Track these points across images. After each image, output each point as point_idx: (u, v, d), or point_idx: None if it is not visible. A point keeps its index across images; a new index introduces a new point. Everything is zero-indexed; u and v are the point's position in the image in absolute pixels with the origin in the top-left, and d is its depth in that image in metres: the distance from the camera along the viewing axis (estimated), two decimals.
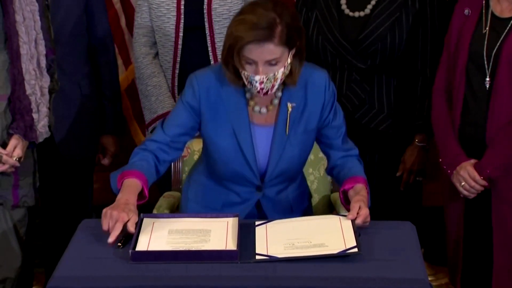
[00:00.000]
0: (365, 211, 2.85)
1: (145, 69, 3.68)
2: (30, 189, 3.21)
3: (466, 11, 3.20)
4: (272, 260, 2.68)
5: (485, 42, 3.16)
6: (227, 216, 2.91)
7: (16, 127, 3.07)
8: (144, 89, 3.69)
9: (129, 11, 4.31)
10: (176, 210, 3.31)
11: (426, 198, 3.88)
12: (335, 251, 2.70)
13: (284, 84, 2.95)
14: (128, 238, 2.80)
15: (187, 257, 2.67)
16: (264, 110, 2.99)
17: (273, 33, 2.78)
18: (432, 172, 3.70)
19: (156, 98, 3.65)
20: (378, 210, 3.55)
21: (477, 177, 3.19)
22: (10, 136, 3.08)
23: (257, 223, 2.91)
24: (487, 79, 3.19)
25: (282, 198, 3.12)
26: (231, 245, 2.73)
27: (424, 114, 3.56)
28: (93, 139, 3.80)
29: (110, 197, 4.74)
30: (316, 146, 3.20)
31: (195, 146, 3.47)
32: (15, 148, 3.07)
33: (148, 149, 3.00)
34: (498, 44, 3.14)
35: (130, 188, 2.86)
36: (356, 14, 3.57)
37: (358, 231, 2.81)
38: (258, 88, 2.86)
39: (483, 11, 3.20)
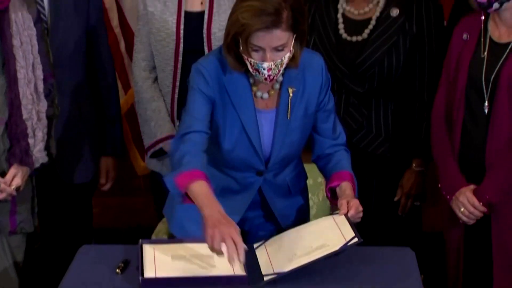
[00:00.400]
0: (354, 202, 2.87)
1: (144, 94, 3.68)
2: (28, 215, 3.21)
3: (464, 36, 3.21)
4: (280, 276, 2.69)
5: (484, 67, 3.17)
6: None
7: (13, 154, 3.07)
8: (144, 114, 3.70)
9: (129, 36, 4.33)
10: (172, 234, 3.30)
11: (426, 223, 3.87)
12: (337, 247, 2.73)
13: (284, 68, 2.94)
14: (126, 263, 2.80)
15: (197, 283, 2.68)
16: (266, 95, 2.98)
17: (280, 18, 2.76)
18: (432, 197, 3.69)
19: (155, 122, 3.65)
20: (377, 235, 3.56)
21: (476, 203, 3.18)
22: (10, 163, 3.08)
23: (255, 245, 2.93)
24: (486, 103, 3.19)
25: (279, 180, 3.10)
26: (239, 270, 2.73)
27: (422, 138, 3.57)
28: (92, 163, 3.80)
29: (109, 222, 4.77)
30: (312, 170, 3.21)
31: None
32: (14, 177, 3.06)
33: (192, 141, 2.87)
34: (496, 69, 3.15)
35: (209, 197, 2.73)
36: (354, 38, 3.59)
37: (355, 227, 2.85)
38: (266, 75, 2.85)
39: (482, 35, 3.21)
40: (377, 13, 3.58)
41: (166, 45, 3.57)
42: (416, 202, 3.66)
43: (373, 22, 3.57)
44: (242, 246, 2.61)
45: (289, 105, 2.97)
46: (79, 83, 3.68)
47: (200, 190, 2.73)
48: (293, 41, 2.85)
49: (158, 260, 2.80)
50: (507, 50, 3.14)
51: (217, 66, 2.94)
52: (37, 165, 3.14)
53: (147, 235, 3.26)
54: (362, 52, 3.55)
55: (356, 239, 2.73)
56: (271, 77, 2.86)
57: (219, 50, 2.94)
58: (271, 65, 2.82)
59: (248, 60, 2.83)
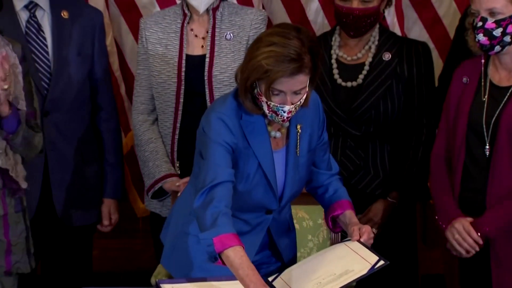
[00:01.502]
0: (366, 228, 2.92)
1: (142, 136, 3.69)
2: (23, 255, 3.19)
3: (464, 79, 3.22)
4: None
5: (484, 111, 3.18)
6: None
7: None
8: (142, 155, 3.70)
9: (129, 79, 4.34)
10: (172, 277, 3.28)
11: (426, 265, 3.86)
12: (365, 271, 2.75)
13: None
14: None
15: None
16: (278, 134, 2.98)
17: (303, 63, 2.78)
18: (433, 240, 3.68)
19: (153, 163, 3.65)
20: (375, 278, 3.54)
21: (473, 233, 3.16)
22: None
23: (270, 278, 2.91)
24: (487, 147, 3.19)
25: (282, 217, 3.10)
26: None
27: (407, 175, 3.60)
28: (93, 205, 3.78)
29: (109, 264, 4.75)
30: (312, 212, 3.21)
31: None
32: None
33: (222, 197, 2.83)
34: (497, 112, 3.16)
35: (249, 265, 2.73)
36: (349, 84, 3.64)
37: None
38: (285, 117, 2.86)
39: (482, 79, 3.22)
40: (370, 58, 3.65)
41: (167, 87, 3.59)
42: (377, 229, 3.63)
43: (366, 67, 3.64)
44: None
45: (298, 141, 2.97)
46: (82, 127, 3.69)
47: (238, 256, 2.73)
48: (309, 80, 2.87)
49: None
50: (508, 94, 3.16)
51: (235, 111, 2.92)
52: (23, 187, 3.15)
53: (147, 277, 3.23)
54: (357, 97, 3.60)
55: (383, 262, 2.77)
56: (289, 119, 2.88)
57: (233, 94, 2.93)
58: (292, 108, 2.83)
59: (267, 103, 2.83)
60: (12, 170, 3.11)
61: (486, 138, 3.18)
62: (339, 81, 3.64)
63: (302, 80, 2.80)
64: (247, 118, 2.91)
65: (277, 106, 2.82)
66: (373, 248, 3.60)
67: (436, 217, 3.31)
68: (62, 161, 3.59)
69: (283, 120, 2.86)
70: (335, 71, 3.66)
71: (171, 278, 3.15)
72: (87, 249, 3.83)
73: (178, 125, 3.62)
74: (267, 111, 2.85)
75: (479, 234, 3.15)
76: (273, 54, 2.76)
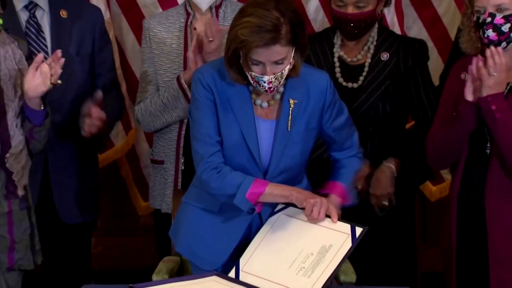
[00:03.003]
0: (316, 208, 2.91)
1: (147, 102, 3.67)
2: (27, 252, 3.19)
3: (463, 76, 3.19)
4: None
5: None
6: (205, 276, 2.93)
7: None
8: (154, 102, 3.64)
9: (130, 77, 4.37)
10: (174, 275, 3.29)
11: (426, 263, 3.86)
12: (349, 243, 2.82)
13: (286, 78, 2.96)
14: None
15: None
16: (265, 104, 2.99)
17: (279, 34, 2.80)
18: (432, 238, 3.69)
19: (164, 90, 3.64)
20: (376, 275, 3.55)
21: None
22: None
23: (230, 274, 2.93)
24: (488, 144, 3.20)
25: None
26: None
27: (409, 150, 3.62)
28: (92, 203, 3.79)
29: (111, 262, 4.75)
30: None
31: None
32: None
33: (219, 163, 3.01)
34: None
35: (286, 187, 2.97)
36: (350, 85, 3.64)
37: None
38: (266, 87, 2.89)
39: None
40: (369, 59, 3.66)
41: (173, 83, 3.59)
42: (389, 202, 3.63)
43: (366, 68, 3.65)
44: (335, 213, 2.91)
45: (290, 116, 2.98)
46: (78, 126, 3.69)
47: (274, 187, 2.95)
48: (293, 52, 2.88)
49: None
50: (508, 88, 3.14)
51: (216, 72, 2.98)
52: (20, 193, 3.14)
53: (148, 274, 3.24)
54: (357, 98, 3.61)
55: (360, 228, 2.80)
56: (272, 89, 2.91)
57: (221, 60, 2.97)
58: (272, 78, 2.87)
59: (248, 73, 2.88)
60: (16, 174, 3.12)
61: (487, 135, 3.19)
62: (341, 80, 3.64)
63: (279, 51, 2.82)
64: (230, 82, 2.97)
65: (257, 76, 2.87)
66: (382, 244, 3.64)
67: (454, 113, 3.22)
68: (61, 161, 3.61)
69: (266, 90, 2.90)
70: (337, 70, 3.66)
71: (172, 275, 3.16)
72: (86, 246, 3.84)
73: (185, 120, 3.61)
74: (251, 81, 2.90)
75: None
76: (248, 24, 2.81)
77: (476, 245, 3.24)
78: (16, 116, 3.08)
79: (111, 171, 4.53)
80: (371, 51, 3.65)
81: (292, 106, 2.98)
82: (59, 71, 3.04)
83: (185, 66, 3.56)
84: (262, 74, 2.86)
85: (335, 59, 3.68)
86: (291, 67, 2.90)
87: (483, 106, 3.08)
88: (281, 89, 2.99)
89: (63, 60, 3.05)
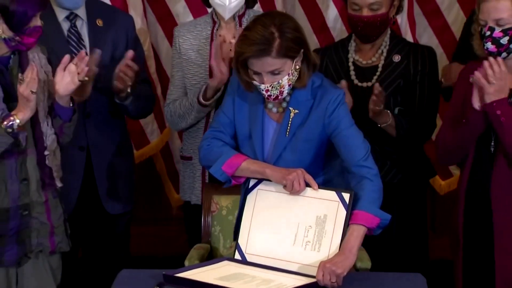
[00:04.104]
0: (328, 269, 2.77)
1: (172, 104, 3.68)
2: (63, 236, 3.21)
3: (471, 79, 3.15)
4: None
5: None
6: (218, 261, 2.99)
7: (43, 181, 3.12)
8: (178, 106, 3.64)
9: (165, 81, 4.37)
10: (205, 260, 3.29)
11: (436, 251, 3.84)
12: (343, 211, 2.81)
13: (294, 88, 2.98)
14: (161, 287, 2.79)
15: None
16: (275, 109, 3.04)
17: (270, 47, 2.84)
18: (441, 228, 3.67)
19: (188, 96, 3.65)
20: (389, 262, 3.53)
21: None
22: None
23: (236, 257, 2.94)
24: (492, 143, 3.19)
25: None
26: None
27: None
28: (129, 194, 3.80)
29: (147, 249, 4.78)
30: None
31: (223, 202, 3.45)
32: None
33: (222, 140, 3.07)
34: None
35: (262, 163, 2.98)
36: (364, 84, 3.65)
37: None
38: (266, 95, 2.94)
39: None
40: (382, 61, 3.66)
41: (200, 87, 3.60)
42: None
43: (379, 69, 3.65)
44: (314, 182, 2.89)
45: (289, 124, 2.99)
46: (120, 124, 3.75)
47: (251, 163, 2.97)
48: (295, 64, 2.91)
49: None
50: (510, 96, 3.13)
51: None
52: (59, 185, 3.18)
53: (181, 260, 3.25)
54: (371, 95, 3.57)
55: (347, 193, 2.82)
56: (272, 97, 2.94)
57: None
58: (268, 87, 2.90)
59: (252, 81, 2.93)
60: (55, 170, 3.15)
61: (491, 135, 3.17)
62: (356, 81, 3.65)
63: (271, 63, 2.86)
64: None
65: (257, 84, 2.92)
66: (391, 236, 3.63)
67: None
68: (103, 158, 3.64)
69: (267, 98, 2.95)
70: (352, 72, 3.67)
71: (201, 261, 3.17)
72: (125, 234, 3.84)
73: (210, 119, 3.61)
74: (257, 89, 2.95)
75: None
76: (244, 38, 2.89)
77: (482, 235, 3.23)
78: (45, 115, 3.11)
79: (147, 166, 4.56)
80: (384, 54, 3.67)
81: (292, 115, 2.99)
82: (86, 68, 3.09)
83: (210, 71, 3.58)
84: (260, 83, 2.90)
85: (350, 63, 3.69)
86: (293, 77, 2.92)
87: (489, 111, 3.08)
88: (288, 98, 3.00)
89: (87, 58, 3.11)
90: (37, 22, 3.01)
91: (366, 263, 3.20)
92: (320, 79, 3.03)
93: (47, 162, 3.09)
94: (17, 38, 2.99)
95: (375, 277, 2.94)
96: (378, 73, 3.65)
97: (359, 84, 3.64)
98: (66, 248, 3.22)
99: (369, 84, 3.63)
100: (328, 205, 2.87)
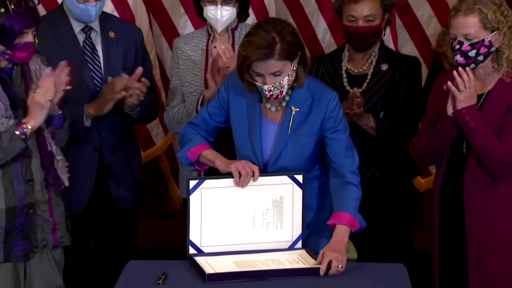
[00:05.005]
0: (329, 255, 2.84)
1: (171, 110, 3.68)
2: (65, 232, 3.21)
3: (444, 87, 3.17)
4: None
5: None
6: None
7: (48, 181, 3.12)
8: (177, 112, 3.63)
9: (168, 88, 4.37)
10: None
11: (416, 243, 3.87)
12: (299, 191, 2.87)
13: (292, 88, 3.03)
14: (166, 276, 2.82)
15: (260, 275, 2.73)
16: (273, 108, 3.07)
17: (273, 51, 2.89)
18: (422, 220, 3.70)
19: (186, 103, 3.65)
20: (373, 253, 3.56)
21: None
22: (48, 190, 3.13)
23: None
24: (464, 145, 3.22)
25: None
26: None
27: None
28: (137, 191, 3.81)
29: (152, 242, 4.78)
30: None
31: None
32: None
33: (196, 131, 3.15)
34: None
35: (214, 153, 3.04)
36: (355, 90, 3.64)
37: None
38: (268, 95, 2.97)
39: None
40: (371, 70, 3.69)
41: (196, 95, 3.63)
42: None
43: (369, 76, 3.68)
44: (258, 168, 2.92)
45: (291, 121, 3.03)
46: (129, 126, 3.73)
47: (209, 152, 3.04)
48: (293, 66, 2.95)
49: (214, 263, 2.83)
50: (481, 100, 3.17)
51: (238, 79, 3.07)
52: (66, 184, 3.18)
53: (183, 252, 3.27)
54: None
55: (301, 175, 2.85)
56: (273, 96, 2.98)
57: None
58: (271, 87, 2.94)
59: (254, 83, 2.97)
60: (62, 172, 3.16)
61: (463, 137, 3.20)
62: (348, 88, 3.67)
63: (274, 64, 2.91)
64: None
65: (260, 85, 2.95)
66: (377, 228, 3.66)
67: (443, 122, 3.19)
68: (115, 157, 3.64)
69: (269, 98, 2.98)
70: (345, 80, 3.70)
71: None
72: (133, 228, 3.85)
73: None
74: (259, 89, 2.99)
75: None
76: (248, 43, 2.93)
77: (456, 229, 3.26)
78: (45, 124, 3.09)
79: (153, 165, 4.57)
80: (373, 63, 3.69)
81: (293, 113, 3.03)
82: (66, 79, 2.99)
83: (205, 80, 3.60)
84: (263, 84, 2.94)
85: (343, 72, 3.72)
86: (291, 78, 2.97)
87: (458, 117, 3.11)
88: (287, 98, 3.04)
89: (67, 69, 2.99)
90: (28, 38, 2.95)
91: (353, 254, 3.22)
92: (315, 81, 3.12)
93: (55, 164, 3.11)
94: (8, 51, 2.95)
95: (361, 267, 2.96)
96: (367, 81, 3.68)
97: (350, 90, 3.63)
98: (68, 242, 3.23)
99: (360, 90, 3.66)
100: (282, 188, 2.92)
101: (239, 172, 2.93)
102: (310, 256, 2.92)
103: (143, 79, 3.46)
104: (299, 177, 2.95)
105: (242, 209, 2.95)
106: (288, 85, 2.97)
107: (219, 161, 3.01)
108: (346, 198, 2.98)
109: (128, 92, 3.44)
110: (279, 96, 2.99)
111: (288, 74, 2.94)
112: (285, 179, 2.95)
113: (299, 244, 2.98)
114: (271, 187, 2.94)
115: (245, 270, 2.75)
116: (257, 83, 2.96)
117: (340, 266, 2.83)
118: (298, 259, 2.88)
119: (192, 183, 2.94)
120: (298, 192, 2.94)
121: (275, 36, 2.90)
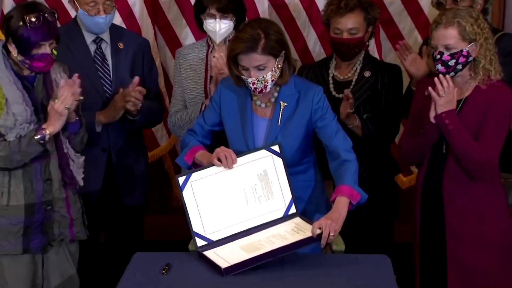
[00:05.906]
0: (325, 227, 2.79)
1: (174, 115, 3.68)
2: (81, 227, 3.26)
3: (426, 93, 3.18)
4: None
5: None
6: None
7: (64, 180, 3.14)
8: (180, 118, 3.63)
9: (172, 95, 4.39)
10: None
11: (399, 235, 3.88)
12: (279, 160, 2.84)
13: (280, 86, 3.05)
14: (169, 266, 2.82)
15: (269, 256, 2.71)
16: (263, 104, 3.09)
17: (256, 45, 2.92)
18: (405, 214, 3.71)
19: (189, 109, 3.65)
20: (358, 245, 3.57)
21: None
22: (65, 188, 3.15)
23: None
24: (444, 146, 3.24)
25: None
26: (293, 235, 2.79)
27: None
28: (145, 189, 3.83)
29: (157, 235, 4.78)
30: None
31: None
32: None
33: (194, 136, 3.15)
34: None
35: (204, 153, 3.03)
36: (340, 95, 3.66)
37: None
38: (252, 88, 2.99)
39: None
40: (356, 76, 3.72)
41: (197, 101, 3.67)
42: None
43: (353, 83, 3.71)
44: (232, 151, 2.92)
45: (280, 115, 3.05)
46: (133, 131, 3.73)
47: (200, 154, 3.03)
48: (277, 63, 2.98)
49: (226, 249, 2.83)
50: (460, 105, 3.19)
51: (230, 80, 3.09)
52: (81, 184, 3.21)
53: (185, 245, 3.28)
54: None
55: (276, 145, 2.84)
56: (257, 90, 2.99)
57: None
58: (254, 80, 2.95)
59: (241, 76, 3.00)
60: (77, 172, 3.19)
61: (443, 139, 3.22)
62: (334, 93, 3.71)
63: (257, 58, 2.94)
64: (239, 87, 3.08)
65: (245, 78, 2.98)
66: (361, 221, 3.66)
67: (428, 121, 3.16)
68: (123, 157, 3.66)
69: (253, 90, 3.00)
70: (331, 85, 3.74)
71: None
72: (140, 222, 3.88)
73: None
74: (246, 83, 3.01)
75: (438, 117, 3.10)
76: (235, 38, 2.99)
77: (435, 224, 3.29)
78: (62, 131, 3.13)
79: (158, 165, 4.58)
80: (358, 70, 3.72)
81: (282, 107, 3.05)
82: (78, 90, 3.03)
83: (205, 88, 3.62)
84: (248, 77, 2.97)
85: (330, 78, 3.76)
86: (275, 74, 2.99)
87: (438, 120, 3.13)
88: (275, 94, 3.07)
89: (78, 81, 3.04)
90: (45, 49, 2.98)
91: (341, 247, 3.28)
92: (300, 79, 3.17)
93: (71, 166, 3.15)
94: (27, 61, 2.98)
95: (348, 258, 2.99)
96: (351, 86, 3.70)
97: (336, 95, 3.71)
98: (84, 237, 3.27)
99: (349, 91, 3.68)
100: (262, 161, 2.93)
101: (221, 158, 2.93)
102: (306, 222, 2.93)
103: (138, 87, 3.49)
104: (276, 148, 2.95)
105: (233, 190, 2.94)
106: (272, 80, 2.99)
107: (205, 159, 3.02)
108: (344, 173, 2.95)
109: (126, 99, 3.47)
110: (264, 91, 3.00)
111: (272, 70, 2.96)
112: (263, 153, 2.95)
113: (293, 208, 2.98)
114: (253, 163, 2.94)
115: (255, 255, 2.72)
116: (243, 77, 2.98)
117: (332, 235, 2.77)
118: (297, 229, 2.89)
119: (181, 179, 2.94)
120: (279, 161, 2.94)
121: (260, 32, 2.94)
